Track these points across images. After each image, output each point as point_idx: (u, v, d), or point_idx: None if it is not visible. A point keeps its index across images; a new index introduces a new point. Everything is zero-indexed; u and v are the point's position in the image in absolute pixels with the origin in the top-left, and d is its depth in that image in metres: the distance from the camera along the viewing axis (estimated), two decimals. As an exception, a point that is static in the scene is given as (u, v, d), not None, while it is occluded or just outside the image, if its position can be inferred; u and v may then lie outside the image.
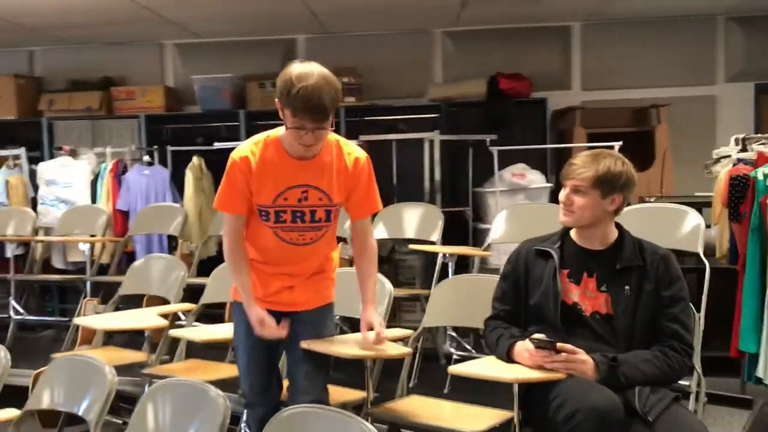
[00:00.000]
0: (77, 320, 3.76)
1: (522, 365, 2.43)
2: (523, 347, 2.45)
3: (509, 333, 2.55)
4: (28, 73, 6.72)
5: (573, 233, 2.61)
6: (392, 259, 5.79)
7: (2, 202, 5.96)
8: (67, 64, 6.71)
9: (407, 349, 2.78)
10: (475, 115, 6.07)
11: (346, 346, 2.66)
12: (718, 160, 4.57)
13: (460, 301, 3.19)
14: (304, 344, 2.63)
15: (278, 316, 2.70)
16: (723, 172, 4.19)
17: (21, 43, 6.60)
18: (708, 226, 4.42)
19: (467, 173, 5.87)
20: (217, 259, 5.38)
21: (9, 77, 6.35)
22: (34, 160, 6.20)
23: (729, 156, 4.40)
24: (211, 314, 4.72)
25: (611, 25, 6.25)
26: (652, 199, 4.81)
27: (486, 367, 2.52)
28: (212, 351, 4.23)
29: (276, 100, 2.47)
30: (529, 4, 5.53)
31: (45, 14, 5.50)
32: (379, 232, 4.80)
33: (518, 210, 4.31)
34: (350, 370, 2.97)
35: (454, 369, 2.56)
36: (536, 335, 2.41)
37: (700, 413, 3.04)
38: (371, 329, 2.63)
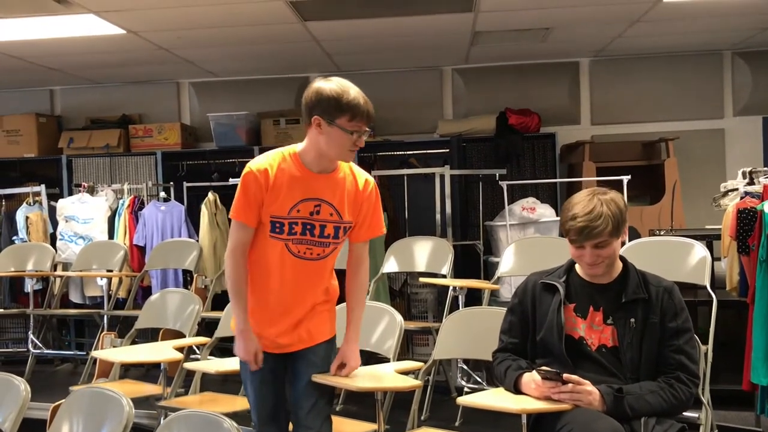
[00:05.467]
0: (95, 353, 3.83)
1: (529, 396, 2.46)
2: (531, 378, 2.48)
3: (517, 365, 2.58)
4: (49, 112, 6.85)
5: (578, 267, 2.64)
6: (404, 292, 5.83)
7: (22, 238, 6.05)
8: (86, 102, 6.86)
9: (417, 382, 2.82)
10: (485, 150, 6.17)
11: (354, 379, 2.69)
12: (725, 194, 4.60)
13: (470, 333, 3.23)
14: (316, 378, 2.66)
15: (282, 358, 2.74)
16: (731, 205, 4.22)
17: (42, 83, 6.75)
18: (718, 259, 4.45)
19: (478, 207, 5.94)
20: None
21: (30, 116, 6.49)
22: (53, 197, 6.30)
23: (736, 189, 4.43)
24: (226, 348, 4.77)
25: (619, 61, 6.34)
26: (662, 233, 4.83)
27: (494, 398, 2.56)
28: (227, 384, 4.29)
29: (315, 116, 2.54)
30: (537, 40, 5.62)
31: (65, 55, 5.64)
32: (390, 265, 4.86)
33: (527, 243, 4.36)
34: (364, 404, 3.00)
35: (462, 400, 2.60)
36: (543, 367, 2.45)
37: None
38: (343, 365, 2.69)
